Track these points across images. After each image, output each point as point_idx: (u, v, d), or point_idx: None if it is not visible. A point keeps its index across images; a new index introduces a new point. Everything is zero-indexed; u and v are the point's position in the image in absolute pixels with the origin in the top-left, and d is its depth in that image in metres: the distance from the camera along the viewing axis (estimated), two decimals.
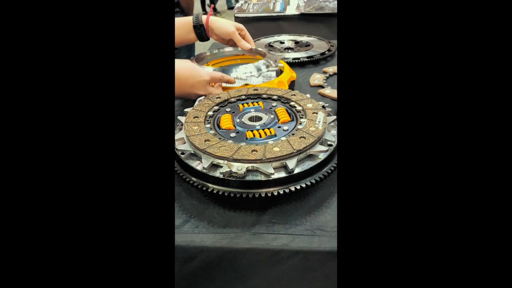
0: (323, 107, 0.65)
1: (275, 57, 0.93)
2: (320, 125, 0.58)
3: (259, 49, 0.96)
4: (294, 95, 0.69)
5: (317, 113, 0.61)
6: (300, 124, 0.60)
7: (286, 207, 0.57)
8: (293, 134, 0.57)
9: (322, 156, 0.55)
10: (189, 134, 0.58)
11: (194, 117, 0.63)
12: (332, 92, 0.82)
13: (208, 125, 0.62)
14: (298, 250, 0.50)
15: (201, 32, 0.92)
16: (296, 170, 0.52)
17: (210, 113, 0.66)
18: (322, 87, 0.95)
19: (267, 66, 0.86)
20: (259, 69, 0.84)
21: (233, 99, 0.70)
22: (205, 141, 0.56)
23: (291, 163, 0.52)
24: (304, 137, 0.55)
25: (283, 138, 0.56)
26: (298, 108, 0.65)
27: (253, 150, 0.53)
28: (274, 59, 0.91)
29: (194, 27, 0.92)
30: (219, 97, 0.70)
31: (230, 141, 0.56)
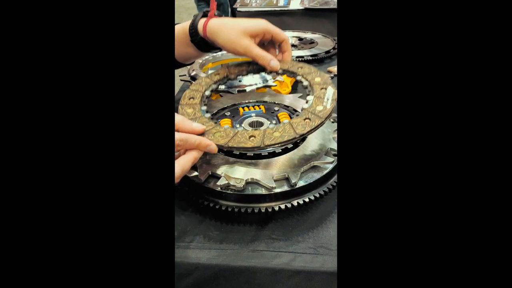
0: (333, 77, 0.59)
1: None
2: (328, 104, 0.50)
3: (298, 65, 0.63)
4: (301, 67, 0.60)
5: (325, 89, 0.53)
6: (306, 102, 0.53)
7: (287, 222, 0.53)
8: (297, 115, 0.50)
9: (327, 168, 0.51)
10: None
11: (190, 99, 0.57)
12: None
13: (204, 107, 0.56)
14: (299, 270, 0.47)
15: (200, 45, 0.64)
16: (299, 183, 0.49)
17: (207, 92, 0.59)
18: None
19: (274, 77, 0.81)
20: (264, 80, 0.79)
21: (232, 75, 0.63)
22: None
23: (294, 176, 0.48)
24: (309, 119, 0.48)
25: (286, 121, 0.50)
26: (305, 83, 0.57)
27: (250, 136, 0.47)
28: None
29: (191, 35, 0.63)
30: (218, 74, 0.63)
31: (226, 126, 0.51)
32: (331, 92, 0.53)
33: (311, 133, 0.47)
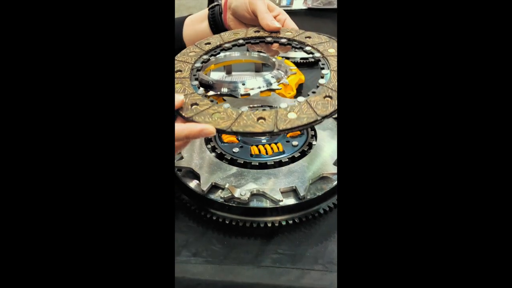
0: None
1: (287, 67, 0.85)
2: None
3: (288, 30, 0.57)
4: (310, 37, 0.51)
5: None
6: (322, 77, 0.44)
7: (294, 235, 0.50)
8: (313, 92, 0.42)
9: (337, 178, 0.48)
10: None
11: (176, 71, 0.46)
12: None
13: (196, 82, 0.45)
14: None
15: (214, 16, 0.61)
16: (308, 196, 0.46)
17: (198, 64, 0.49)
18: None
19: (278, 80, 0.78)
20: (268, 83, 0.76)
21: (228, 45, 0.54)
22: (191, 105, 0.40)
23: (302, 188, 0.45)
24: (330, 97, 0.39)
25: (301, 99, 0.41)
26: (317, 54, 0.48)
27: (259, 118, 0.38)
28: (285, 69, 0.83)
29: (209, 10, 0.62)
30: (209, 43, 0.53)
31: (226, 105, 0.40)
32: None
33: (335, 114, 0.38)
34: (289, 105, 0.39)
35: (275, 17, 0.56)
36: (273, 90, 0.76)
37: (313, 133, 0.56)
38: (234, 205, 0.45)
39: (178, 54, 0.51)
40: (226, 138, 0.55)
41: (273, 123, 0.38)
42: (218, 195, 0.46)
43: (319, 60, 0.48)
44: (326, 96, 0.40)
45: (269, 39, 0.53)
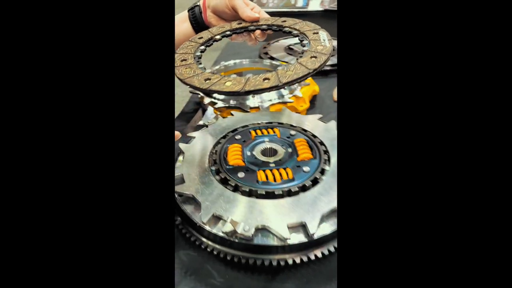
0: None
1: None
2: (326, 43, 0.52)
3: (266, 18, 0.67)
4: (285, 20, 0.62)
5: (318, 33, 0.55)
6: (304, 46, 0.54)
7: (301, 272, 0.46)
8: (300, 56, 0.50)
9: None
10: (183, 77, 0.49)
11: (182, 61, 0.54)
12: None
13: (201, 65, 0.53)
14: None
15: (195, 16, 0.71)
16: (319, 232, 0.41)
17: (198, 53, 0.57)
18: None
19: (291, 91, 0.74)
20: (280, 96, 0.72)
21: (218, 36, 0.62)
22: (205, 80, 0.47)
23: (312, 225, 0.41)
24: (315, 57, 0.49)
25: (292, 61, 0.51)
26: (295, 32, 0.58)
27: (265, 79, 0.46)
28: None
29: (189, 10, 0.72)
30: (201, 37, 0.61)
31: (233, 75, 0.50)
32: (324, 34, 0.55)
33: (322, 68, 0.48)
34: (284, 67, 0.48)
35: (252, 10, 0.65)
36: (285, 103, 0.72)
37: (326, 157, 0.51)
38: (236, 240, 0.41)
39: (177, 49, 0.59)
40: (231, 160, 0.51)
41: (276, 80, 0.45)
42: (219, 228, 0.42)
43: (298, 35, 0.58)
44: (312, 57, 0.49)
45: (251, 27, 0.64)
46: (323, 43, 0.52)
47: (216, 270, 0.47)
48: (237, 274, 0.46)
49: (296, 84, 0.76)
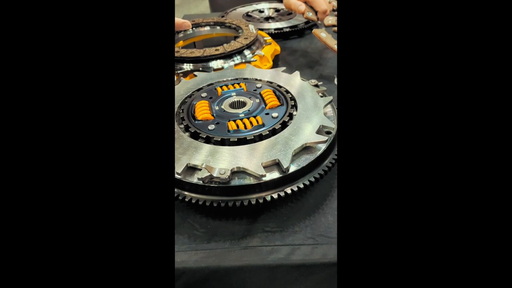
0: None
1: (261, 38, 0.81)
2: (253, 31, 0.78)
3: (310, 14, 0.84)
4: (224, 17, 0.86)
5: (248, 26, 0.81)
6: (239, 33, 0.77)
7: (280, 210, 0.48)
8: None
9: (321, 148, 0.45)
10: None
11: None
12: (328, 38, 0.76)
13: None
14: (299, 264, 0.42)
15: None
16: (292, 168, 0.43)
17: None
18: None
19: (253, 51, 0.76)
20: (243, 56, 0.75)
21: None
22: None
23: (285, 160, 0.42)
24: (247, 38, 0.74)
25: (225, 44, 0.71)
26: (232, 26, 0.83)
27: (216, 49, 0.67)
28: (260, 41, 0.80)
29: None
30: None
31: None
32: (252, 27, 0.82)
33: (250, 46, 0.69)
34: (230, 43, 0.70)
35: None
36: (249, 62, 0.72)
37: (293, 103, 0.52)
38: (213, 185, 0.41)
39: None
40: (200, 115, 0.51)
41: (223, 49, 0.70)
42: (195, 177, 0.42)
43: (235, 28, 0.81)
44: (245, 38, 0.75)
45: (203, 24, 0.84)
46: (252, 31, 0.78)
47: (197, 222, 0.47)
48: (219, 222, 0.47)
49: (257, 45, 0.77)
